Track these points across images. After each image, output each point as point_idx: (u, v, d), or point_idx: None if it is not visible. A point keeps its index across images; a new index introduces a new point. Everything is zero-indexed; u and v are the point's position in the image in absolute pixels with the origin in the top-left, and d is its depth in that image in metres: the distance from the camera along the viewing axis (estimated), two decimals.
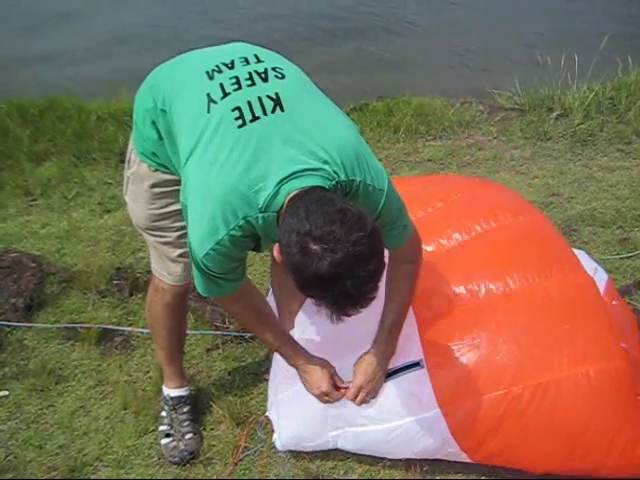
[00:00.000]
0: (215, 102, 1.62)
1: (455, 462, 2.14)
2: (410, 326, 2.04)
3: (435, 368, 2.01)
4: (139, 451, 2.27)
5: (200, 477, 2.19)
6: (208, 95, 1.64)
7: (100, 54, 6.16)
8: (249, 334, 2.66)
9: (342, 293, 1.40)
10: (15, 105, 4.57)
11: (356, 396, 1.98)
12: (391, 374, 2.03)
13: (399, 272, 1.89)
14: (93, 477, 2.19)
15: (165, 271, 2.09)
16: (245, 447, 2.27)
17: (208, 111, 1.62)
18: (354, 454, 2.22)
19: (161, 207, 1.96)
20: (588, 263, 2.41)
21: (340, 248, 1.37)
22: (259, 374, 2.54)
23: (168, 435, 2.28)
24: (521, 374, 1.94)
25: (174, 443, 2.26)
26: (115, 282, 2.94)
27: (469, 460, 2.06)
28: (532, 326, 2.01)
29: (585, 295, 2.10)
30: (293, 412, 2.17)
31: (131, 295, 2.90)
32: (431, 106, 4.72)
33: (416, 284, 1.93)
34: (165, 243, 2.03)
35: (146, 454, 2.26)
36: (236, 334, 2.68)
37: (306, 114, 1.62)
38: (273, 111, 1.59)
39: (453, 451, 2.03)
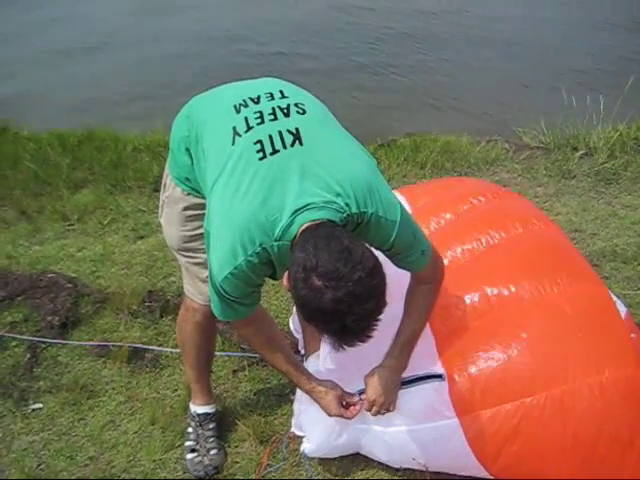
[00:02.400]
0: (239, 135, 1.75)
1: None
2: (427, 339, 2.11)
3: (452, 380, 2.07)
4: (165, 465, 2.36)
5: None
6: (234, 128, 1.76)
7: (135, 88, 6.41)
8: None
9: (342, 327, 1.52)
10: (55, 135, 4.77)
11: (370, 408, 2.05)
12: (412, 381, 2.10)
13: (418, 291, 1.98)
14: None
15: (196, 291, 2.18)
16: (268, 464, 2.34)
17: (233, 143, 1.74)
18: (375, 467, 2.28)
19: (192, 229, 2.07)
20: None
21: (342, 286, 1.48)
22: (283, 395, 2.61)
23: (194, 450, 2.36)
24: (535, 384, 1.99)
25: (199, 458, 2.33)
26: (147, 304, 3.05)
27: (486, 474, 2.10)
28: (546, 336, 2.07)
29: (599, 303, 2.15)
30: (317, 419, 2.24)
31: (161, 317, 3.00)
32: (457, 144, 4.81)
33: (435, 302, 2.02)
34: (195, 264, 2.13)
35: (172, 467, 2.34)
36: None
37: (323, 148, 1.73)
38: (292, 145, 1.70)
39: (470, 463, 2.07)
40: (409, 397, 2.10)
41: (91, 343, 2.86)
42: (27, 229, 3.77)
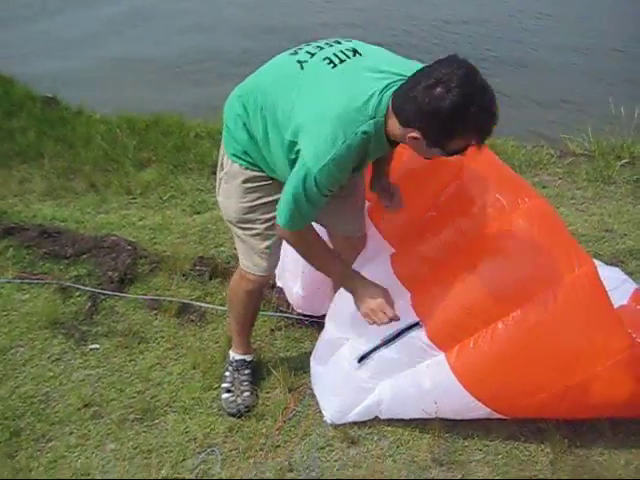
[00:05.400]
0: (306, 61, 2.05)
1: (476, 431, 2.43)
2: (402, 294, 2.35)
3: (428, 319, 2.30)
4: (203, 402, 2.63)
5: (252, 428, 2.52)
6: (298, 61, 2.06)
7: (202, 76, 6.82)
8: (309, 319, 2.99)
9: (480, 109, 1.76)
10: (125, 118, 5.15)
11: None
12: (396, 336, 2.35)
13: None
14: (162, 419, 2.56)
15: (251, 263, 2.41)
16: (293, 409, 2.59)
17: (302, 69, 2.03)
18: (389, 423, 2.51)
19: (252, 200, 2.29)
20: (618, 275, 2.64)
21: (461, 83, 1.76)
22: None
23: (229, 391, 2.62)
24: (500, 308, 2.20)
25: (233, 398, 2.60)
26: (197, 267, 3.35)
27: (483, 408, 2.31)
28: (506, 258, 2.26)
29: (549, 218, 2.32)
30: (330, 389, 2.53)
31: (210, 279, 3.29)
32: (503, 146, 4.98)
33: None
34: (253, 235, 2.34)
35: (208, 405, 2.62)
36: (297, 317, 3.02)
37: (378, 55, 2.08)
38: (354, 55, 2.03)
39: (468, 402, 2.29)
40: (398, 349, 2.34)
41: (145, 297, 3.17)
42: (95, 199, 4.12)
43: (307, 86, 1.99)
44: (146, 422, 2.54)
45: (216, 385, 2.69)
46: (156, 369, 2.79)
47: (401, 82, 1.91)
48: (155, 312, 3.09)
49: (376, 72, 1.96)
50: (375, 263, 2.45)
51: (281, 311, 3.07)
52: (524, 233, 2.21)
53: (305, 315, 3.01)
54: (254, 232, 2.34)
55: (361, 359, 2.41)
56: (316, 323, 2.95)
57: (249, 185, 2.27)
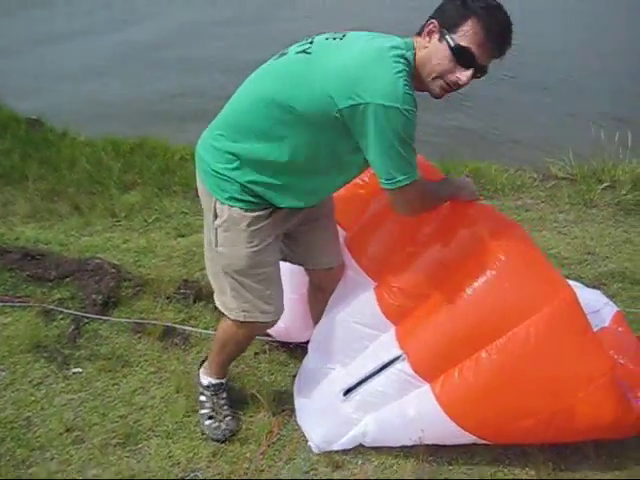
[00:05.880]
0: (308, 49, 2.02)
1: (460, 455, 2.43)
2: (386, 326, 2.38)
3: (412, 350, 2.31)
4: (186, 427, 2.61)
5: (236, 453, 2.50)
6: (297, 53, 2.04)
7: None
8: (293, 343, 2.98)
9: (502, 22, 1.95)
10: (110, 141, 5.16)
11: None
12: (379, 370, 2.35)
13: None
14: (145, 443, 2.53)
15: (259, 312, 2.32)
16: (278, 433, 2.58)
17: (308, 53, 2.01)
18: (374, 448, 2.50)
19: (259, 243, 2.20)
20: (599, 298, 2.67)
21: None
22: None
23: (211, 417, 2.59)
24: (485, 335, 2.20)
25: (216, 423, 2.57)
26: (182, 291, 3.34)
27: (469, 435, 2.30)
28: (485, 290, 2.24)
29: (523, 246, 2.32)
30: (316, 419, 2.53)
31: (194, 302, 3.28)
32: (487, 170, 5.04)
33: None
34: (261, 280, 2.26)
35: (192, 429, 2.59)
36: (282, 341, 3.01)
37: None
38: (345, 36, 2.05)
39: (453, 430, 2.28)
40: (383, 382, 2.34)
41: (129, 320, 3.15)
42: (79, 222, 4.10)
43: (327, 56, 1.97)
44: (129, 447, 2.51)
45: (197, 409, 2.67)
46: (139, 393, 2.77)
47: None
48: (139, 335, 3.07)
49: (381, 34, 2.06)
50: (359, 297, 2.45)
51: (266, 334, 3.06)
52: (504, 263, 2.21)
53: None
54: (262, 277, 2.27)
55: (347, 392, 2.42)
56: (300, 347, 2.95)
57: (254, 227, 2.18)
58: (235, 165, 2.11)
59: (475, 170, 4.98)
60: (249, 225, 2.17)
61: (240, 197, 2.14)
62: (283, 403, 2.71)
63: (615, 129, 5.21)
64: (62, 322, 3.13)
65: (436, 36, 1.95)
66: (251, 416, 2.66)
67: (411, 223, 2.36)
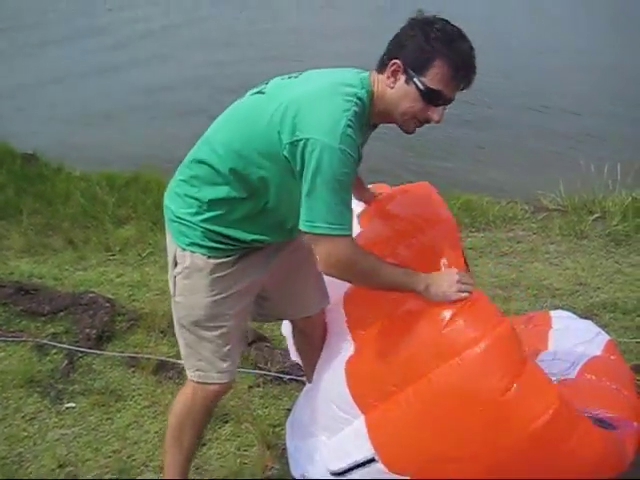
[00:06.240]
0: (263, 89, 1.98)
1: None
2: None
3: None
4: None
5: None
6: (252, 94, 2.00)
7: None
8: (288, 376, 2.99)
9: (464, 41, 1.86)
10: (104, 175, 5.21)
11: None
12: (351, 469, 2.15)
13: None
14: (139, 478, 2.52)
15: (215, 371, 2.12)
16: (272, 467, 2.57)
17: (263, 93, 1.96)
18: None
19: (221, 292, 2.04)
20: (591, 327, 2.69)
21: (443, 26, 1.87)
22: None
23: None
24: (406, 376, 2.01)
25: None
26: None
27: None
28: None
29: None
30: (312, 456, 2.33)
31: None
32: (478, 202, 5.10)
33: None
34: (219, 335, 2.08)
35: None
36: (275, 375, 3.02)
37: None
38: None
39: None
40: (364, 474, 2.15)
41: (122, 354, 3.15)
42: (73, 256, 4.12)
43: (280, 93, 1.92)
44: None
45: None
46: (133, 427, 2.76)
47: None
48: (133, 370, 3.07)
49: (337, 69, 2.01)
50: (335, 371, 2.24)
51: (259, 368, 3.07)
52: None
53: (283, 372, 3.01)
54: (221, 331, 2.09)
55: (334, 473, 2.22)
56: (294, 380, 2.96)
57: (216, 275, 2.03)
58: (196, 209, 1.99)
59: (467, 202, 5.03)
60: (211, 272, 2.02)
61: (202, 243, 2.01)
62: (277, 437, 2.70)
63: (604, 161, 5.28)
64: (56, 356, 3.13)
65: (402, 77, 1.88)
66: (245, 450, 2.66)
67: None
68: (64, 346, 3.18)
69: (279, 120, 1.84)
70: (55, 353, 3.15)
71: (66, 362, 3.09)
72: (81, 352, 3.15)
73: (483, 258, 4.29)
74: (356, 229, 2.31)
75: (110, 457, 2.61)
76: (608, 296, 3.73)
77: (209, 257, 2.02)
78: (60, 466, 2.55)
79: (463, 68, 1.88)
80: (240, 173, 1.93)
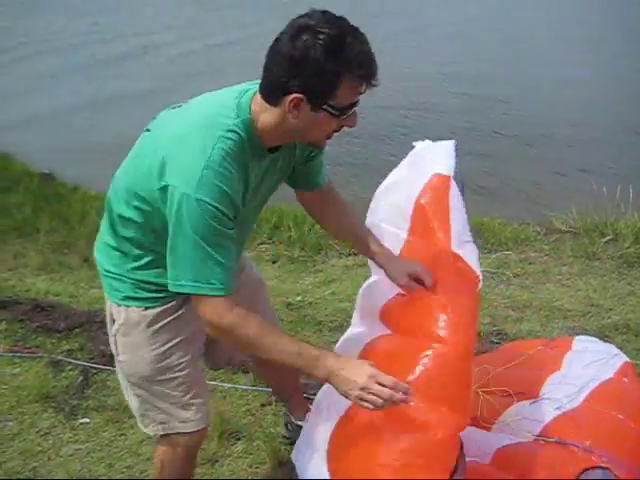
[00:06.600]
0: (149, 127, 1.83)
1: None
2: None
3: None
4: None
5: None
6: (143, 132, 1.85)
7: None
8: None
9: (356, 39, 1.59)
10: None
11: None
12: None
13: (344, 206, 2.20)
14: None
15: (180, 422, 2.00)
16: None
17: (148, 131, 1.82)
18: None
19: (165, 342, 1.92)
20: (610, 349, 2.65)
21: (326, 22, 1.58)
22: None
23: None
24: None
25: None
26: None
27: None
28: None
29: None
30: None
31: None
32: (490, 224, 5.11)
33: None
34: (176, 386, 1.96)
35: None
36: None
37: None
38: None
39: None
40: None
41: None
42: (88, 274, 4.18)
43: (160, 132, 1.76)
44: None
45: (204, 460, 2.68)
46: (146, 443, 2.77)
47: (257, 85, 1.71)
48: None
49: (224, 91, 1.79)
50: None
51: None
52: None
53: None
54: (176, 382, 1.96)
55: None
56: (307, 399, 2.97)
57: (156, 326, 1.90)
58: (119, 259, 1.86)
59: (478, 224, 5.04)
60: (149, 325, 1.88)
61: (135, 295, 1.87)
62: (289, 454, 2.70)
63: (616, 183, 5.29)
64: (71, 373, 3.18)
65: (306, 107, 1.62)
66: (257, 467, 2.67)
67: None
68: (79, 362, 3.22)
69: (153, 163, 1.66)
70: (70, 369, 3.20)
71: (81, 378, 3.13)
72: (96, 369, 3.19)
73: (495, 279, 4.30)
74: (377, 328, 2.20)
75: (123, 473, 2.64)
76: (620, 317, 3.72)
77: (145, 308, 1.88)
78: None
79: (367, 68, 1.62)
80: (147, 214, 1.75)
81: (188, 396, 1.97)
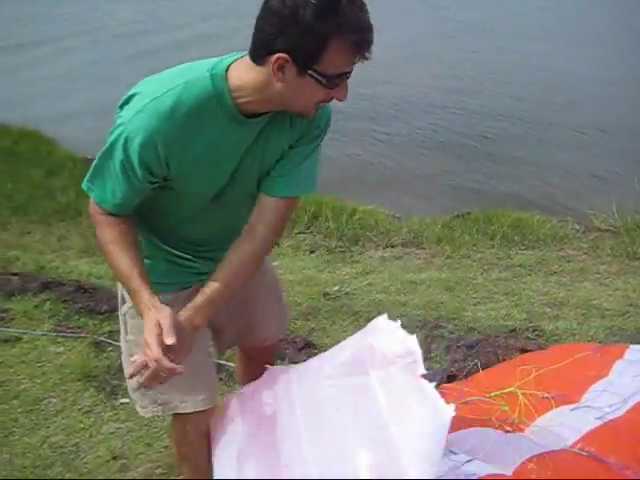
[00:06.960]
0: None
1: None
2: None
3: None
4: None
5: None
6: None
7: None
8: None
9: (351, 2, 1.50)
10: None
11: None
12: None
13: (257, 234, 1.80)
14: None
15: (177, 401, 1.93)
16: None
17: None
18: None
19: None
20: None
21: None
22: None
23: None
24: None
25: None
26: None
27: None
28: None
29: None
30: None
31: None
32: (529, 220, 5.10)
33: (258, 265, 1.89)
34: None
35: None
36: None
37: None
38: None
39: None
40: None
41: None
42: None
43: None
44: (172, 476, 2.58)
45: None
46: None
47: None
48: None
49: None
50: None
51: None
52: None
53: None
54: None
55: None
56: None
57: None
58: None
59: (517, 220, 5.03)
60: None
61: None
62: None
63: None
64: (112, 354, 3.25)
65: (292, 69, 1.54)
66: None
67: None
68: (120, 344, 3.28)
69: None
70: (111, 350, 3.27)
71: (121, 360, 3.19)
72: None
73: (532, 276, 4.28)
74: None
75: (161, 452, 2.70)
76: None
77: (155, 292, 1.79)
78: (114, 458, 2.65)
79: (360, 35, 1.53)
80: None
81: (186, 382, 1.86)
